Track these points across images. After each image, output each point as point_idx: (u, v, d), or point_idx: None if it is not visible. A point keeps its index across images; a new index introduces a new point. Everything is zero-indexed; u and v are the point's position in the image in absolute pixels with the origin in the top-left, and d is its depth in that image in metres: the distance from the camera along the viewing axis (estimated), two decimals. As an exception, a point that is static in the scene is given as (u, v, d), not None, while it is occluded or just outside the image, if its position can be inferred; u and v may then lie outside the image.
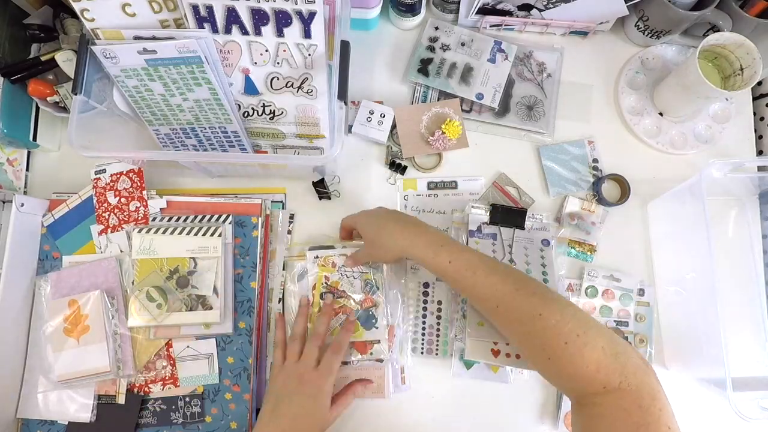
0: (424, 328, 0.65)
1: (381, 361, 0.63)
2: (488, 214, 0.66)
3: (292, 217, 0.69)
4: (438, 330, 0.65)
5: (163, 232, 0.62)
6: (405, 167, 0.69)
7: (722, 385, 0.52)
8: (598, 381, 0.44)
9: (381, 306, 0.64)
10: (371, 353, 0.63)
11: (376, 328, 0.63)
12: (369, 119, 0.68)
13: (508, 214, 0.66)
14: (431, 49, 0.72)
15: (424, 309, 0.65)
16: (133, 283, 0.62)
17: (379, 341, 0.63)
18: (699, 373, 0.62)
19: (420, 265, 0.58)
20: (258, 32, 0.52)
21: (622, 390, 0.44)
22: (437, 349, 0.64)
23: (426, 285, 0.66)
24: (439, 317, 0.65)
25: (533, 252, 0.65)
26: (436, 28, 0.72)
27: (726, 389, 0.52)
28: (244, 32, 0.52)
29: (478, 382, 0.64)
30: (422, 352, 0.64)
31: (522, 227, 0.65)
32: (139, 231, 0.62)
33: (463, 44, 0.71)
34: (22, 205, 0.62)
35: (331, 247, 0.66)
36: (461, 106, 0.70)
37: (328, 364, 0.57)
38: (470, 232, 0.65)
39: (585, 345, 0.45)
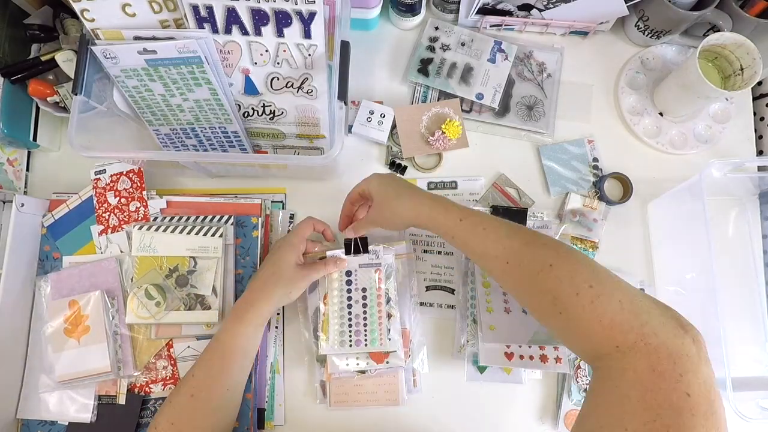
0: (350, 319, 0.61)
1: (400, 366, 0.61)
2: (490, 214, 0.66)
3: (292, 217, 0.69)
4: (365, 320, 0.61)
5: (164, 230, 0.62)
6: (405, 167, 0.69)
7: (722, 385, 0.52)
8: (610, 339, 0.39)
9: (395, 316, 0.61)
10: (387, 362, 0.61)
11: (390, 339, 0.60)
12: (369, 119, 0.68)
13: (510, 214, 0.66)
14: (431, 49, 0.72)
15: (349, 299, 0.62)
16: (132, 280, 0.62)
17: (395, 351, 0.60)
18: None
19: (428, 228, 0.55)
20: (258, 32, 0.52)
21: (636, 350, 0.38)
22: (366, 341, 0.60)
23: (348, 273, 0.62)
24: (365, 305, 0.61)
25: None
26: (437, 28, 0.72)
27: (726, 389, 0.52)
28: (244, 32, 0.52)
29: (491, 385, 0.64)
30: (350, 345, 0.60)
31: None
32: (140, 228, 0.62)
33: (463, 44, 0.71)
34: (22, 205, 0.62)
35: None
36: (461, 106, 0.70)
37: (300, 224, 0.60)
38: None
39: (598, 296, 0.41)
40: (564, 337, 0.45)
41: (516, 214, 0.66)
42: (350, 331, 0.61)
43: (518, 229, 0.50)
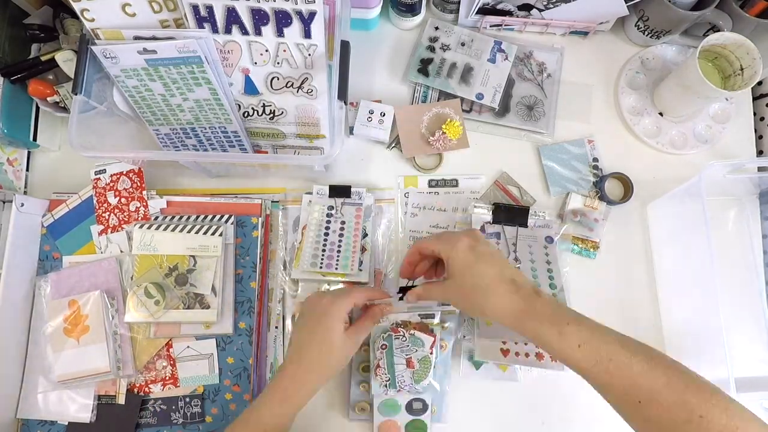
0: (325, 245, 0.64)
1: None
2: (491, 213, 0.66)
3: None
4: (339, 248, 0.64)
5: (164, 229, 0.62)
6: None
7: (725, 385, 0.52)
8: None
9: (368, 251, 0.64)
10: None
11: (361, 270, 0.63)
12: (369, 119, 0.68)
13: (511, 212, 0.66)
14: (431, 49, 0.72)
15: (327, 227, 0.65)
16: (132, 278, 0.62)
17: (366, 282, 0.63)
18: (702, 373, 0.62)
19: (531, 340, 0.46)
20: (258, 32, 0.52)
21: None
22: (337, 264, 0.63)
23: (331, 207, 0.66)
24: (341, 235, 0.64)
25: (537, 249, 0.65)
26: (436, 28, 0.72)
27: (729, 390, 0.51)
28: (244, 32, 0.52)
29: (487, 382, 0.64)
30: (321, 267, 0.62)
31: (525, 225, 0.66)
32: (140, 227, 0.62)
33: (463, 44, 0.71)
34: (22, 205, 0.62)
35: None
36: (461, 106, 0.70)
37: (344, 290, 0.53)
38: None
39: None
40: None
41: (518, 212, 0.66)
42: (323, 255, 0.63)
43: (654, 360, 0.41)
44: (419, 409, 0.60)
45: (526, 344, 0.61)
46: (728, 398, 0.39)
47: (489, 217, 0.66)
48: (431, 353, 0.59)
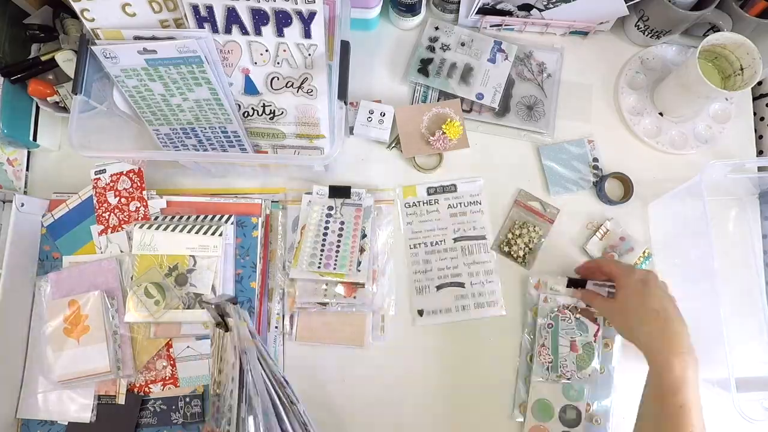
0: (323, 245, 0.64)
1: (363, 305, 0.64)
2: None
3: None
4: (338, 248, 0.64)
5: (164, 229, 0.62)
6: None
7: (726, 385, 0.52)
8: None
9: (367, 251, 0.64)
10: (355, 297, 0.64)
11: (359, 271, 0.63)
12: (369, 119, 0.68)
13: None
14: (431, 49, 0.72)
15: (326, 228, 0.65)
16: (132, 278, 0.62)
17: (364, 283, 0.63)
18: (702, 373, 0.62)
19: (650, 374, 0.53)
20: (258, 32, 0.52)
21: None
22: (335, 265, 0.63)
23: (330, 208, 0.66)
24: (340, 236, 0.64)
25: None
26: (437, 28, 0.72)
27: (730, 390, 0.51)
28: (244, 32, 0.52)
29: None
30: (319, 267, 0.63)
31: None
32: (140, 226, 0.62)
33: (463, 44, 0.71)
34: (22, 205, 0.62)
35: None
36: (461, 106, 0.70)
37: None
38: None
39: None
40: None
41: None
42: (321, 255, 0.63)
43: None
44: (572, 420, 0.60)
45: None
46: None
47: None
48: (595, 341, 0.60)
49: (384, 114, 0.68)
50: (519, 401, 0.63)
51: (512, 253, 0.67)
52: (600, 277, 0.62)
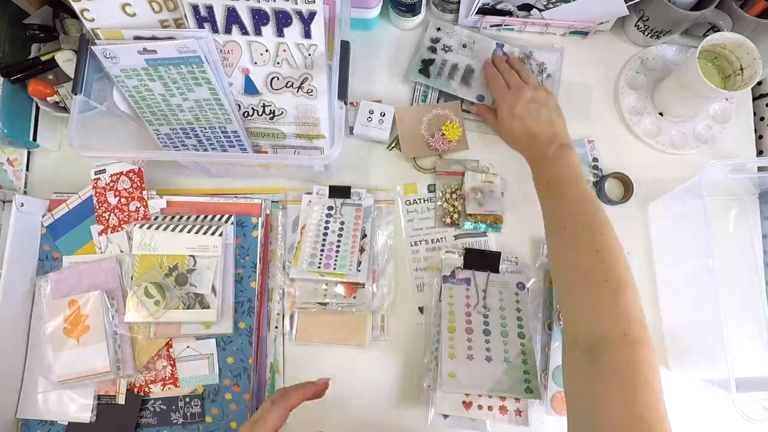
0: (323, 245, 0.64)
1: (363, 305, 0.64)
2: (462, 258, 0.65)
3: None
4: (338, 248, 0.64)
5: (164, 229, 0.63)
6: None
7: (726, 385, 0.52)
8: (622, 326, 0.46)
9: (367, 251, 0.65)
10: (355, 297, 0.64)
11: (359, 271, 0.63)
12: (369, 119, 0.68)
13: (483, 258, 0.65)
14: (433, 50, 0.72)
15: (326, 228, 0.65)
16: (131, 278, 0.62)
17: (363, 283, 0.63)
18: (702, 374, 0.62)
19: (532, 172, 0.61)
20: (258, 32, 0.52)
21: (641, 346, 0.45)
22: (335, 265, 0.63)
23: (330, 208, 0.66)
24: (340, 236, 0.65)
25: (508, 296, 0.64)
26: (438, 29, 0.72)
27: (730, 390, 0.51)
28: (244, 32, 0.52)
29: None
30: (319, 267, 0.63)
31: (497, 271, 0.65)
32: (140, 226, 0.62)
33: (464, 46, 0.71)
34: (22, 205, 0.62)
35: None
36: (461, 106, 0.70)
37: (262, 417, 0.47)
38: (443, 278, 0.64)
39: (622, 289, 0.48)
40: (577, 313, 0.50)
41: (490, 257, 0.65)
42: (321, 255, 0.63)
43: (592, 214, 0.53)
44: None
45: (489, 396, 0.59)
46: (618, 246, 0.51)
47: (460, 262, 0.65)
48: None
49: (384, 114, 0.68)
50: (541, 370, 0.62)
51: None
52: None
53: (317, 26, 0.51)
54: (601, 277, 0.48)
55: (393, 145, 0.70)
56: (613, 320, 0.46)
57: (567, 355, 0.50)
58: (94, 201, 0.65)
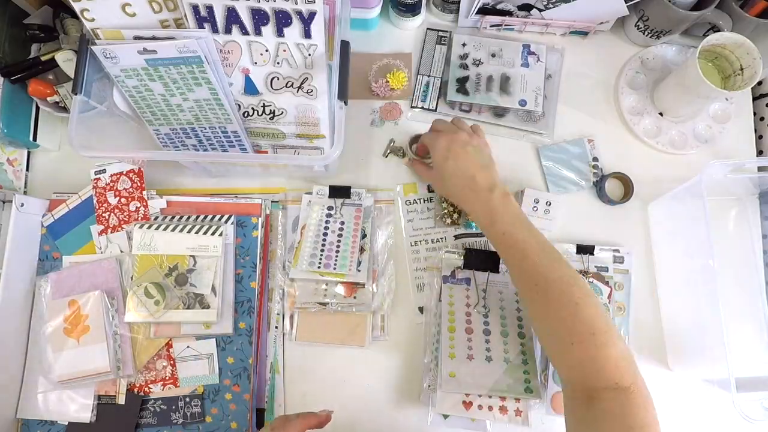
0: (323, 245, 0.64)
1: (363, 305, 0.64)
2: (462, 258, 0.65)
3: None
4: (338, 248, 0.64)
5: (164, 229, 0.63)
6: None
7: (726, 385, 0.52)
8: (614, 377, 0.47)
9: (367, 251, 0.65)
10: (355, 297, 0.64)
11: (359, 271, 0.63)
12: (535, 208, 0.67)
13: (483, 258, 0.65)
14: (464, 66, 0.71)
15: (326, 228, 0.65)
16: (132, 278, 0.62)
17: (363, 283, 0.64)
18: (702, 374, 0.62)
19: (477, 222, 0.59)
20: (258, 32, 0.52)
21: (632, 391, 0.47)
22: (335, 265, 0.63)
23: (330, 208, 0.66)
24: (340, 236, 0.65)
25: (508, 296, 0.64)
26: (464, 45, 0.71)
27: (730, 390, 0.51)
28: (244, 32, 0.52)
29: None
30: (319, 267, 0.63)
31: (496, 271, 0.65)
32: (140, 226, 0.62)
33: (493, 55, 0.71)
34: (22, 205, 0.62)
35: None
36: (461, 106, 0.70)
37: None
38: (443, 278, 0.64)
39: (607, 341, 0.48)
40: (567, 363, 0.51)
41: (490, 257, 0.65)
42: (321, 255, 0.63)
43: (556, 261, 0.53)
44: None
45: (489, 397, 0.59)
46: (597, 299, 0.52)
47: (460, 262, 0.65)
48: (608, 302, 0.64)
49: (550, 204, 0.67)
50: (541, 370, 0.62)
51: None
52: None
53: (317, 26, 0.51)
54: (586, 332, 0.49)
55: (389, 152, 0.70)
56: (606, 373, 0.47)
57: (566, 398, 0.51)
58: (94, 201, 0.65)
